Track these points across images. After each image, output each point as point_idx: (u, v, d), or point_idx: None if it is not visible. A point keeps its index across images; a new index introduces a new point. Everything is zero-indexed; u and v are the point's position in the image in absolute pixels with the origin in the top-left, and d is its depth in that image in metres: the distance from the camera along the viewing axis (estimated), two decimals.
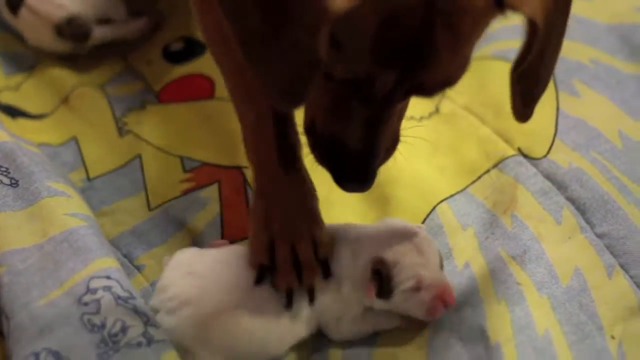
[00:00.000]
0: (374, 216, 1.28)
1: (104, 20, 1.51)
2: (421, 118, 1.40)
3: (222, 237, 1.26)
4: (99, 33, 1.50)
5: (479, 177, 1.30)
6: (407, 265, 1.09)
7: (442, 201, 1.28)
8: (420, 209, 1.28)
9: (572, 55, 1.42)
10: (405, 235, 1.12)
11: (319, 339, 1.15)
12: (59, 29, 1.47)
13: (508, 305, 1.14)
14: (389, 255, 1.10)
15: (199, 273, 1.13)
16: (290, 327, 1.11)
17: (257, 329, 1.10)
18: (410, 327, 1.13)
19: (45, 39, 1.50)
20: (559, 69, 1.39)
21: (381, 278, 1.09)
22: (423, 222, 1.26)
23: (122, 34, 1.54)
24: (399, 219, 1.19)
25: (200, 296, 1.11)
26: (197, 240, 1.27)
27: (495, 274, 1.18)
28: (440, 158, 1.34)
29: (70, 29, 1.47)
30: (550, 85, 1.37)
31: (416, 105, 1.39)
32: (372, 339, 1.14)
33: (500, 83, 1.39)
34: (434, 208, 1.28)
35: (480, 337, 1.12)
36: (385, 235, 1.13)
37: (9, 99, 1.48)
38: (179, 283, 1.13)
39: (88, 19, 1.48)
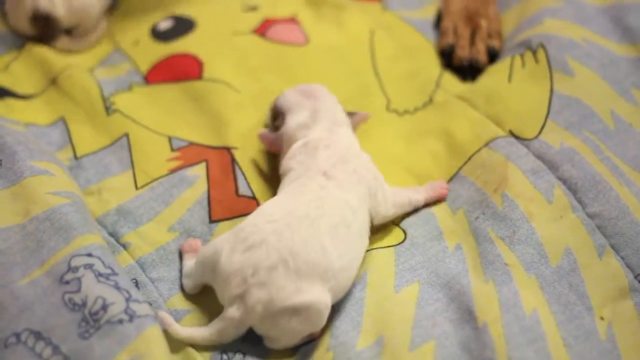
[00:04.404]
0: None
1: (69, 32, 1.52)
2: (415, 109, 1.40)
3: (210, 216, 1.26)
4: (63, 43, 1.52)
5: (470, 158, 1.30)
6: None
7: None
8: None
9: (565, 33, 1.40)
10: None
11: None
12: (34, 19, 1.48)
13: (495, 286, 1.13)
14: None
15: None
16: None
17: None
18: None
19: (20, 23, 1.51)
20: (552, 46, 1.38)
21: None
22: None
23: (82, 48, 1.54)
24: None
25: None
26: (183, 219, 1.26)
27: (484, 255, 1.18)
28: (432, 142, 1.34)
29: (42, 25, 1.49)
30: (544, 64, 1.36)
31: (410, 98, 1.41)
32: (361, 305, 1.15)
33: (493, 75, 1.41)
34: None
35: (468, 318, 1.11)
36: None
37: None
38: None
39: (62, 24, 1.50)
